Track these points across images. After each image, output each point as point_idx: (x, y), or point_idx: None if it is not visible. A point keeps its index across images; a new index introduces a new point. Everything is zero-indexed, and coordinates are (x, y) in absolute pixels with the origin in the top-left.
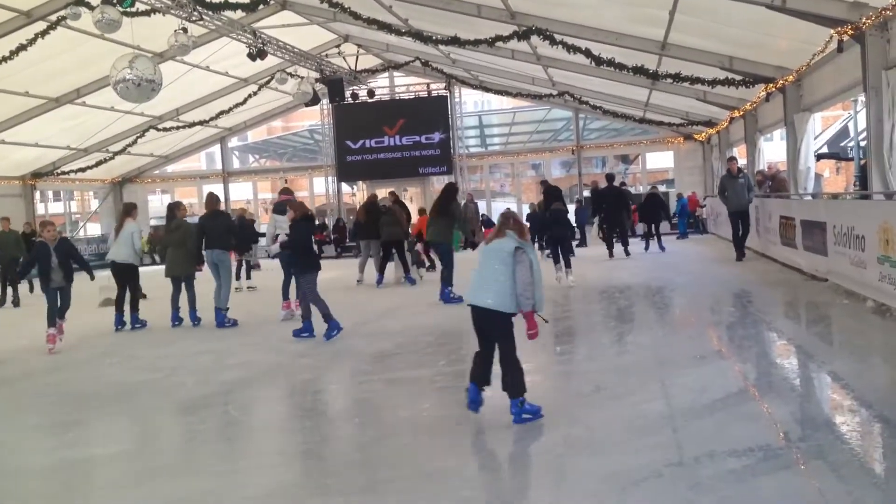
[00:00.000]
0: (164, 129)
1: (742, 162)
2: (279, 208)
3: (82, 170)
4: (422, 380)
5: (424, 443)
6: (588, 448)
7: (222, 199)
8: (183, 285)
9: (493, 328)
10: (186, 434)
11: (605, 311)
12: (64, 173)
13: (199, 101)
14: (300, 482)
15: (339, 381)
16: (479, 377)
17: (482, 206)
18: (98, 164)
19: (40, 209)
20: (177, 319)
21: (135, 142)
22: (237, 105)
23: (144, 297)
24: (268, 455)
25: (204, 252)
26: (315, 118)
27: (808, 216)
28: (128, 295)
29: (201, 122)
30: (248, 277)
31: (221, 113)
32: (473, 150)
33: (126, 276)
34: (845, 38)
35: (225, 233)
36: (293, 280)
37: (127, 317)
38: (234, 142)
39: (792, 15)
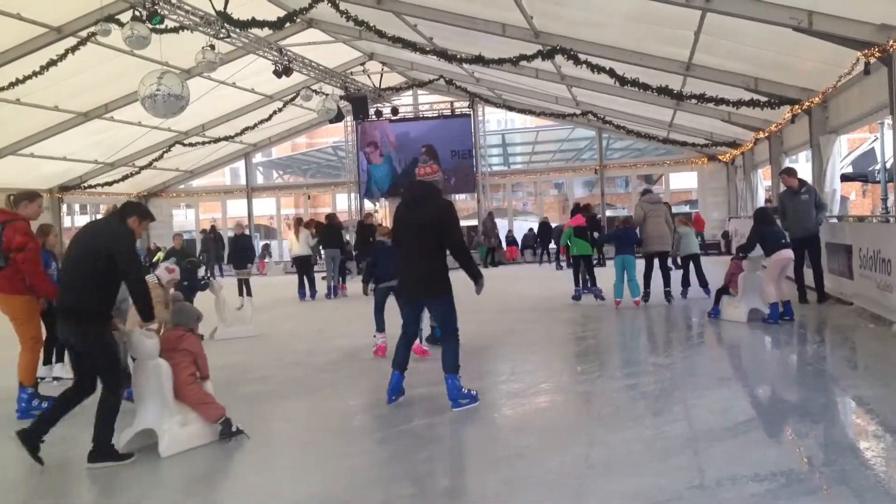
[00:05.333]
0: (190, 145)
1: (767, 184)
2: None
3: (109, 184)
4: (440, 396)
5: (444, 460)
6: (608, 469)
7: (245, 214)
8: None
9: None
10: (198, 448)
11: (627, 331)
12: (91, 187)
13: (225, 116)
14: (318, 498)
15: (359, 396)
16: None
17: (505, 224)
18: (124, 178)
19: (66, 222)
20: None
21: (161, 156)
22: (262, 121)
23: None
24: (285, 470)
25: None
26: (339, 135)
27: (834, 239)
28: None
29: (226, 138)
30: (249, 294)
31: (246, 129)
32: (496, 168)
33: (305, 265)
34: (872, 60)
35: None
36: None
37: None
38: (258, 157)
39: (818, 37)
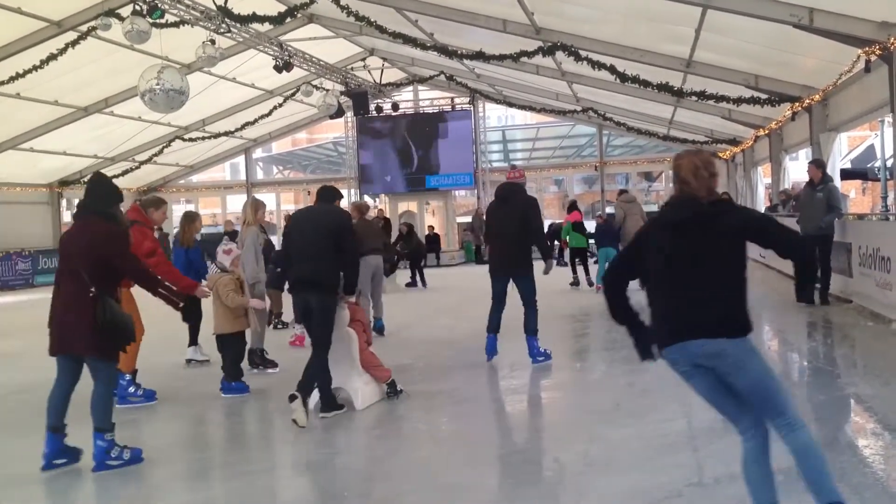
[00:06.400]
0: (190, 140)
1: (767, 181)
2: None
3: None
4: (440, 393)
5: (441, 456)
6: (607, 466)
7: None
8: None
9: None
10: (201, 443)
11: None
12: None
13: (225, 112)
14: (315, 493)
15: None
16: None
17: None
18: (124, 173)
19: (66, 217)
20: None
21: (161, 151)
22: (262, 116)
23: None
24: (284, 465)
25: None
26: (339, 131)
27: (834, 237)
28: None
29: (226, 133)
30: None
31: (247, 124)
32: (496, 164)
33: None
34: (873, 58)
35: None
36: None
37: None
38: (258, 153)
39: (819, 34)
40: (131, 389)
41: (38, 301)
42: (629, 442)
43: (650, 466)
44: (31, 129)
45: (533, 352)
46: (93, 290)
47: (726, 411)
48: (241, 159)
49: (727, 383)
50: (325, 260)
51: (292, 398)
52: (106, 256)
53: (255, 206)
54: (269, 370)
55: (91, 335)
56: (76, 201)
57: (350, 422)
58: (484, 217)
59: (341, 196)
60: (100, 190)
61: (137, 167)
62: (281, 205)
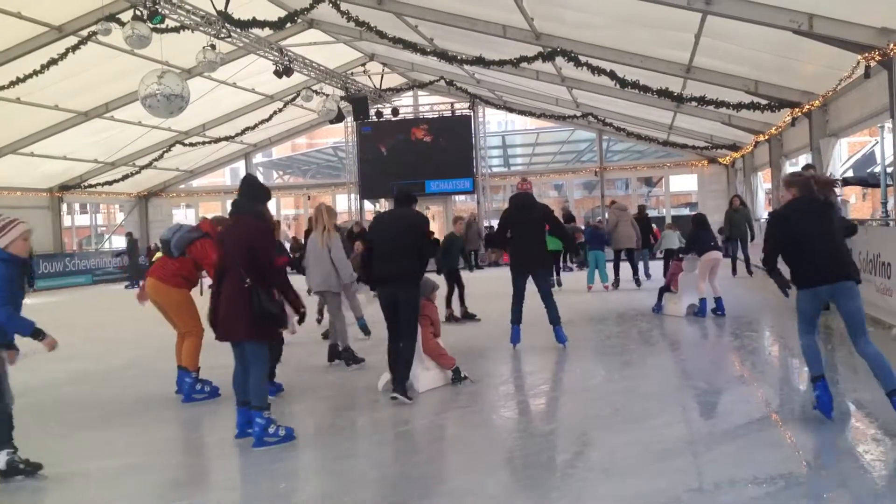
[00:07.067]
0: (191, 145)
1: (766, 187)
2: None
3: (109, 183)
4: (440, 398)
5: (442, 461)
6: (606, 471)
7: None
8: None
9: None
10: (201, 449)
11: (626, 333)
12: (91, 186)
13: (226, 117)
14: (317, 499)
15: (358, 398)
16: None
17: None
18: (124, 177)
19: (66, 221)
20: None
21: (161, 156)
22: (262, 121)
23: None
24: (284, 471)
25: None
26: (339, 136)
27: None
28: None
29: (227, 138)
30: None
31: (247, 129)
32: (496, 169)
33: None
34: (872, 63)
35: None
36: None
37: None
38: (258, 158)
39: (819, 40)
40: (198, 387)
41: (38, 305)
42: (628, 447)
43: (649, 472)
44: (32, 134)
45: (559, 337)
46: (248, 281)
47: (812, 318)
48: (241, 164)
49: (838, 305)
50: (408, 257)
51: (393, 399)
52: (255, 251)
53: (331, 212)
54: (356, 366)
55: (248, 323)
56: (77, 206)
57: (351, 426)
58: (477, 222)
59: (416, 199)
60: (251, 190)
61: (138, 172)
62: (281, 210)
